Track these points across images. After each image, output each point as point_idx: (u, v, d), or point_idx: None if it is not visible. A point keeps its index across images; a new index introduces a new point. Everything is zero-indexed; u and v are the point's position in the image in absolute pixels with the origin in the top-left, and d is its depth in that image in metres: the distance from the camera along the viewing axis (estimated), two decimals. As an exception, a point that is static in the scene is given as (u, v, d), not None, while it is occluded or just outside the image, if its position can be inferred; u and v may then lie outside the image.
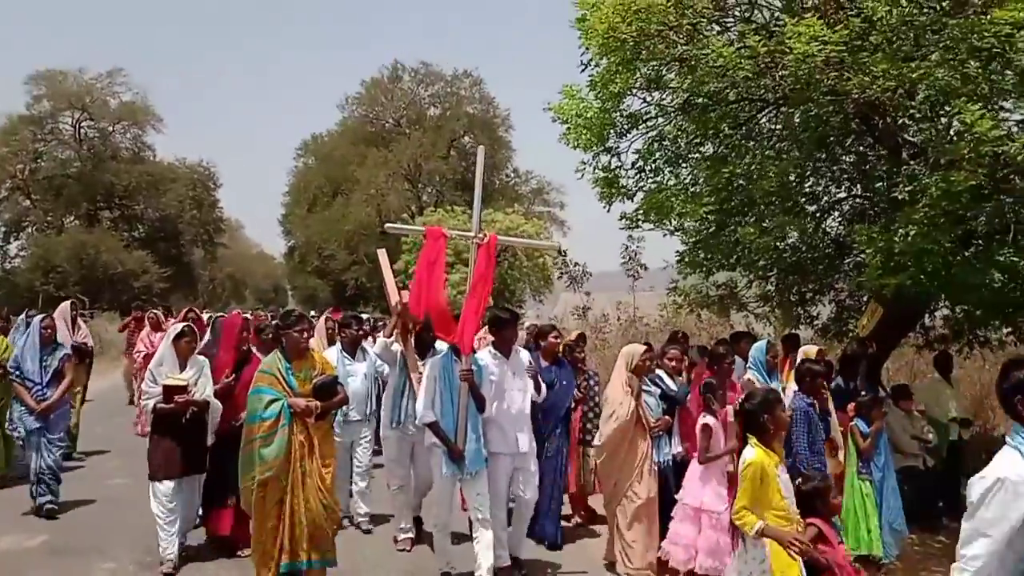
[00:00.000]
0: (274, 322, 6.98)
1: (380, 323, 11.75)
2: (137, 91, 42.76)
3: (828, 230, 8.29)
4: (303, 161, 49.83)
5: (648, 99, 8.04)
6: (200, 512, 6.26)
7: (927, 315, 8.80)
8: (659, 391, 6.14)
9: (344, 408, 6.19)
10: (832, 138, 7.53)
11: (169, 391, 5.77)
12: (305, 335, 5.17)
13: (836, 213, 8.40)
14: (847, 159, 7.96)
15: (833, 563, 4.17)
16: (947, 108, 6.21)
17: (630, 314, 17.65)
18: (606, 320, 17.77)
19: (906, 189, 6.03)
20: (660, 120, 8.10)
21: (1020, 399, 2.72)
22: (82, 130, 42.16)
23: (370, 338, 8.64)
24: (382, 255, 6.90)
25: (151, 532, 5.84)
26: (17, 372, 7.17)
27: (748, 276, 8.93)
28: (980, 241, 6.58)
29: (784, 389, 6.28)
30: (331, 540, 5.04)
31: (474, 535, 5.52)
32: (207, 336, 6.88)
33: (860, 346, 7.16)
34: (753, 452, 4.03)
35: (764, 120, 8.07)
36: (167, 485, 5.79)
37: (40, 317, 7.61)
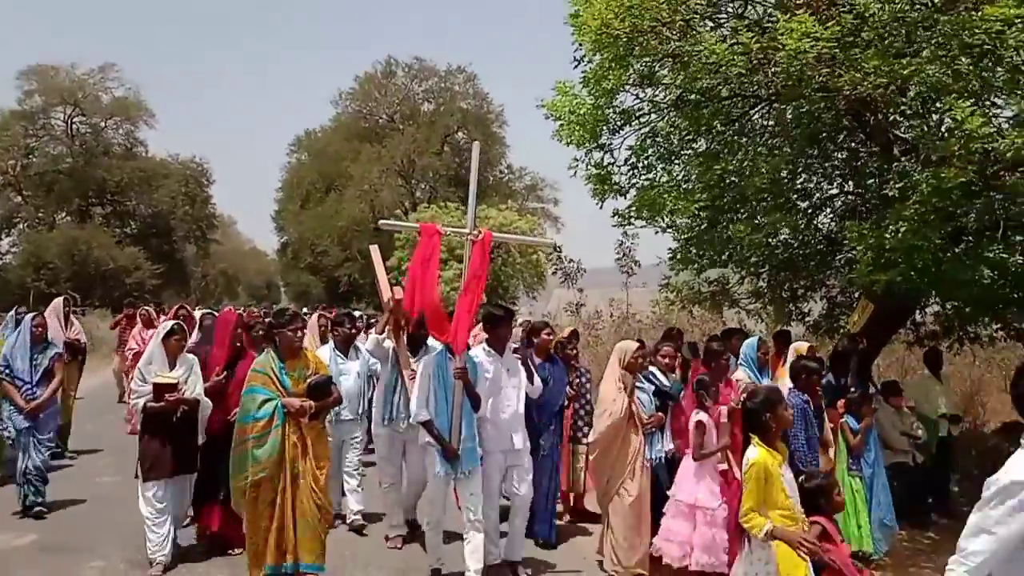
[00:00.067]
0: (267, 320, 6.94)
1: (373, 320, 11.73)
2: (129, 86, 42.50)
3: (820, 226, 8.32)
4: (296, 157, 49.68)
5: (641, 95, 8.04)
6: (191, 510, 6.23)
7: (918, 311, 8.84)
8: (653, 388, 6.14)
9: (336, 407, 6.17)
10: (824, 134, 7.55)
11: (159, 389, 5.71)
12: (299, 334, 5.12)
13: (828, 209, 8.42)
14: (839, 155, 7.99)
15: (839, 562, 4.08)
16: (938, 105, 6.23)
17: (623, 311, 17.67)
18: (599, 317, 17.77)
19: (897, 186, 6.05)
20: (653, 116, 8.11)
21: None
22: (74, 126, 41.87)
23: (363, 334, 8.62)
24: (375, 251, 6.88)
25: (141, 530, 5.80)
26: (6, 371, 7.10)
27: (740, 272, 8.95)
28: (970, 238, 6.61)
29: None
30: (323, 543, 5.02)
31: (465, 537, 5.50)
32: (195, 334, 6.84)
33: (851, 342, 7.19)
34: (756, 452, 3.97)
35: (756, 116, 8.09)
36: (157, 485, 5.74)
37: (31, 315, 7.55)
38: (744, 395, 4.94)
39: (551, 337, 6.89)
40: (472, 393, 5.51)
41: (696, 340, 8.82)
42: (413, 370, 6.31)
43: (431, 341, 6.35)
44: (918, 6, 6.03)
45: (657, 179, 8.27)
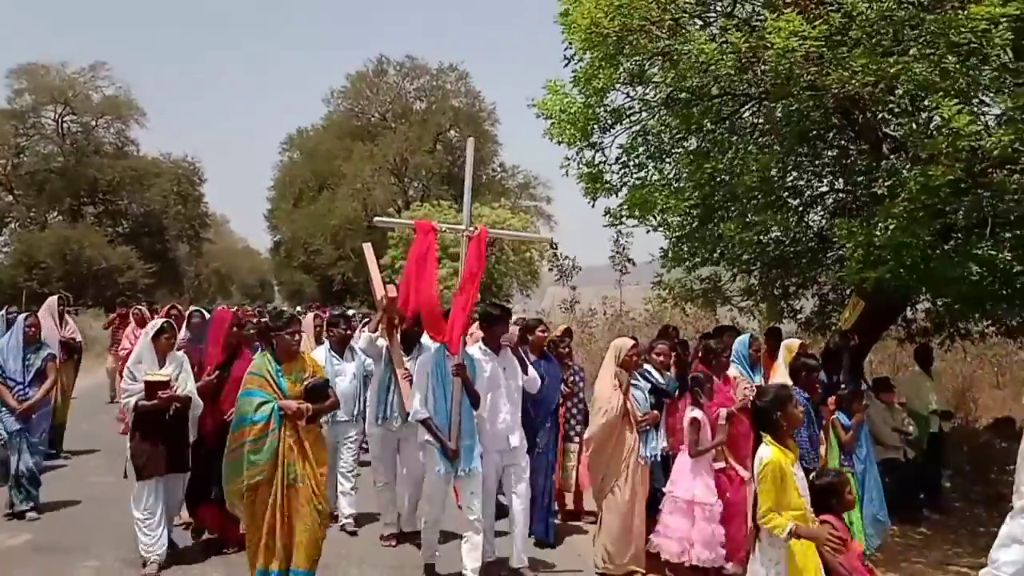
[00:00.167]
0: (263, 320, 6.92)
1: (366, 319, 11.72)
2: (120, 85, 42.36)
3: (810, 224, 8.36)
4: (288, 156, 49.55)
5: (631, 94, 8.09)
6: (184, 508, 6.22)
7: (909, 308, 8.90)
8: (649, 385, 6.15)
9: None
10: (813, 132, 7.59)
11: (151, 387, 5.66)
12: (296, 338, 5.04)
13: (818, 207, 8.47)
14: (828, 153, 8.04)
15: (847, 565, 4.00)
16: (926, 103, 6.28)
17: (616, 308, 17.73)
18: (593, 314, 17.83)
19: (886, 183, 6.10)
20: (643, 115, 8.15)
21: None
22: (65, 124, 41.70)
23: (358, 332, 8.61)
24: (368, 249, 6.88)
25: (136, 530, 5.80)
26: (-1, 372, 7.08)
27: (732, 270, 9.00)
28: (959, 235, 6.65)
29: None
30: (320, 549, 4.96)
31: (463, 536, 5.47)
32: (183, 332, 6.82)
33: (843, 339, 7.22)
34: (769, 451, 3.89)
35: (746, 115, 8.13)
36: (150, 485, 5.71)
37: (24, 316, 7.52)
38: (753, 393, 4.93)
39: (545, 335, 6.91)
40: (471, 391, 5.46)
41: (688, 338, 8.84)
42: (406, 369, 6.32)
43: (425, 339, 6.28)
44: (905, 5, 6.08)
45: (648, 177, 8.31)
